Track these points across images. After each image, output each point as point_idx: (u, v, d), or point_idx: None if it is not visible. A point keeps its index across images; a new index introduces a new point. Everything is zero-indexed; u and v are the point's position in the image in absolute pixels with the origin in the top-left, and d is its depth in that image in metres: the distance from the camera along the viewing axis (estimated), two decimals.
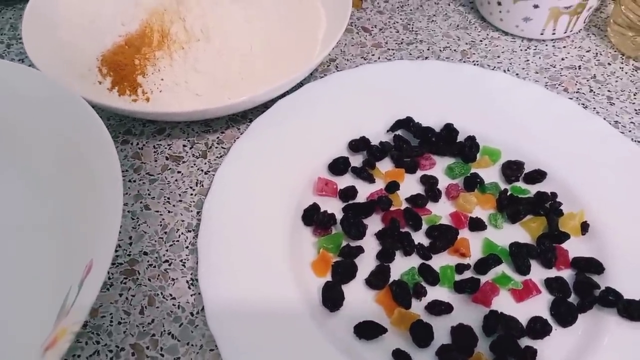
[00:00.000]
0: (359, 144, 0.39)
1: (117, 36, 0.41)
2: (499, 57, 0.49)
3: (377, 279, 0.31)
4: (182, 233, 0.36)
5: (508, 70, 0.47)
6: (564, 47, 0.50)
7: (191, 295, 0.32)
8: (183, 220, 0.36)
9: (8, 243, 0.31)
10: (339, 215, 0.35)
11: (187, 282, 0.33)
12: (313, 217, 0.34)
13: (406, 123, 0.40)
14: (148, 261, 0.34)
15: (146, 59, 0.39)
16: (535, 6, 0.47)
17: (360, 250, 0.33)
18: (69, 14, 0.43)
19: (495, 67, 0.47)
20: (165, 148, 0.40)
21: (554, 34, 0.49)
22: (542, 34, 0.49)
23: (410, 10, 0.54)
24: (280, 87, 0.39)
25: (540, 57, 0.49)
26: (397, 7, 0.54)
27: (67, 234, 0.29)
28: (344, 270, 0.32)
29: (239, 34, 0.41)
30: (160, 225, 0.36)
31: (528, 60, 0.48)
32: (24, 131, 0.33)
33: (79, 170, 0.30)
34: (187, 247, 0.35)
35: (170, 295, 0.32)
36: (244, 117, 0.43)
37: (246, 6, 0.43)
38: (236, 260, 0.32)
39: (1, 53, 0.47)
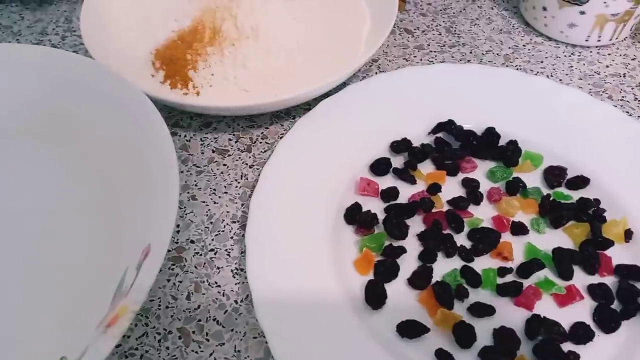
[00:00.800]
0: (400, 145, 0.39)
1: (170, 31, 0.43)
2: (542, 62, 0.48)
3: (419, 279, 0.32)
4: (227, 224, 0.37)
5: (551, 75, 0.47)
6: (609, 54, 0.49)
7: (235, 284, 0.33)
8: (228, 212, 0.37)
9: (67, 227, 0.33)
10: (380, 215, 0.35)
11: (232, 271, 0.34)
12: (355, 216, 0.35)
13: (447, 126, 0.40)
14: (194, 249, 0.35)
15: (197, 54, 0.41)
16: (582, 12, 0.47)
17: (402, 250, 0.33)
18: (123, 9, 0.45)
19: (538, 73, 0.47)
20: (212, 141, 0.42)
21: (599, 41, 0.49)
22: (587, 40, 0.49)
23: (453, 13, 0.54)
24: (325, 86, 0.39)
25: (584, 64, 0.48)
26: (440, 10, 0.54)
27: (124, 220, 0.31)
28: (386, 270, 0.32)
29: (286, 32, 0.42)
30: (207, 215, 0.37)
31: (572, 67, 0.48)
32: (84, 120, 0.34)
33: (137, 158, 0.31)
34: (231, 238, 0.36)
35: (216, 282, 0.33)
36: (287, 114, 0.43)
37: (295, 6, 0.44)
38: (282, 254, 0.33)
39: (56, 44, 0.49)
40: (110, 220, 0.32)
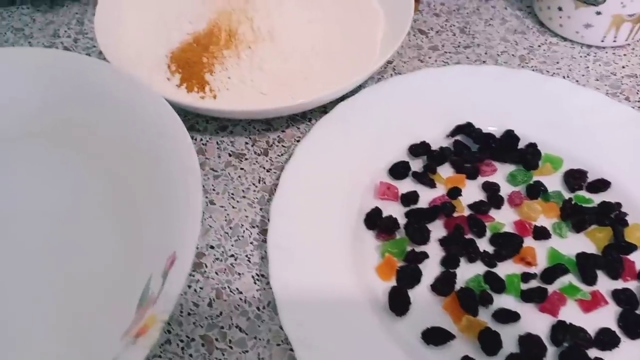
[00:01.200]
0: (419, 149, 0.39)
1: (185, 34, 0.42)
2: (557, 63, 0.48)
3: (442, 285, 0.32)
4: (246, 229, 0.36)
5: (567, 76, 0.47)
6: (625, 54, 0.49)
7: (257, 291, 0.33)
8: (247, 216, 0.37)
9: (88, 234, 0.33)
10: (400, 220, 0.35)
11: (253, 277, 0.34)
12: (376, 221, 0.35)
13: (466, 128, 0.40)
14: (214, 255, 0.35)
15: (214, 58, 0.40)
16: (598, 13, 0.46)
17: (424, 255, 0.33)
18: (137, 12, 0.44)
19: (554, 73, 0.47)
20: (228, 145, 0.41)
21: (614, 41, 0.48)
22: (602, 41, 0.48)
23: (467, 13, 0.53)
24: (343, 89, 0.39)
25: (600, 65, 0.48)
26: (454, 10, 0.54)
27: (147, 227, 0.30)
28: (409, 276, 0.32)
29: (302, 34, 0.42)
30: (226, 220, 0.37)
31: (588, 67, 0.48)
32: (102, 126, 0.34)
33: (158, 163, 0.31)
34: (251, 243, 0.36)
35: (237, 289, 0.33)
36: (303, 117, 0.43)
37: (309, 7, 0.44)
38: (304, 260, 0.32)
39: (69, 47, 0.49)
40: (133, 228, 0.31)
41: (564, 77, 0.47)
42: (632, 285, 0.32)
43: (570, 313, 0.31)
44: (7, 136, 0.36)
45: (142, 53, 0.42)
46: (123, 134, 0.33)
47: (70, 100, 0.35)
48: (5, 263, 0.32)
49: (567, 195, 0.37)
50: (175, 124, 0.32)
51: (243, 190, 0.39)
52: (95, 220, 0.33)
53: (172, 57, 0.41)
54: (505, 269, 0.33)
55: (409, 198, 0.36)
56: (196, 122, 0.43)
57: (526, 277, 0.32)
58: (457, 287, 0.32)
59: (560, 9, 0.48)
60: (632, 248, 0.33)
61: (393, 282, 0.32)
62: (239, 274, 0.34)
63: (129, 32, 0.43)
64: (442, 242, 0.34)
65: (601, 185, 0.37)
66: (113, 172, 0.33)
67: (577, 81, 0.46)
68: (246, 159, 0.40)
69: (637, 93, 0.45)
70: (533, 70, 0.47)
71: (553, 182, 0.38)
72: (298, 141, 0.42)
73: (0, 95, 0.36)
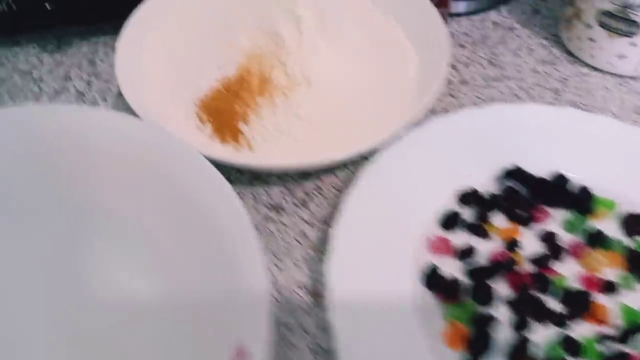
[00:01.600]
0: (469, 197, 0.37)
1: (214, 80, 0.40)
2: (593, 95, 0.47)
3: (520, 355, 0.30)
4: (294, 291, 0.34)
5: (604, 109, 0.46)
6: None
7: None
8: (294, 277, 0.35)
9: (130, 322, 0.29)
10: (457, 274, 0.33)
11: (309, 347, 0.31)
12: (436, 283, 0.33)
13: (516, 173, 0.38)
14: None
15: (247, 106, 0.38)
16: (632, 44, 0.45)
17: (493, 319, 0.31)
18: (160, 58, 0.41)
19: (590, 107, 0.46)
20: (264, 196, 0.39)
21: None
22: (636, 71, 0.47)
23: (492, 43, 0.52)
24: (384, 139, 0.37)
25: (634, 95, 0.47)
26: (479, 41, 0.52)
27: (202, 312, 0.28)
28: (481, 345, 0.30)
29: (339, 77, 0.40)
30: (272, 282, 0.34)
31: (623, 99, 0.47)
32: (145, 191, 0.31)
33: (212, 238, 0.28)
34: (302, 309, 0.33)
35: None
36: None
37: (341, 45, 0.42)
38: (370, 330, 0.30)
39: (82, 91, 0.46)
40: (187, 313, 0.28)
41: (600, 110, 0.45)
42: None
43: None
44: (32, 206, 0.33)
45: (169, 103, 0.39)
46: (166, 202, 0.31)
47: (105, 164, 0.32)
48: None
49: (625, 240, 0.35)
50: (221, 185, 0.30)
51: (287, 248, 0.36)
52: (136, 306, 0.30)
53: (201, 106, 0.39)
54: (578, 329, 0.31)
55: (465, 252, 0.34)
56: (228, 173, 0.40)
57: (602, 338, 0.30)
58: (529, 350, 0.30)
59: (591, 39, 0.47)
60: None
61: (463, 350, 0.30)
62: (294, 345, 0.32)
63: (153, 79, 0.40)
64: (511, 303, 0.32)
65: None
66: (156, 247, 0.31)
67: (613, 113, 0.45)
68: (285, 212, 0.38)
69: None
70: (570, 104, 0.46)
71: (609, 228, 0.36)
72: (337, 189, 0.40)
73: (24, 157, 0.33)
